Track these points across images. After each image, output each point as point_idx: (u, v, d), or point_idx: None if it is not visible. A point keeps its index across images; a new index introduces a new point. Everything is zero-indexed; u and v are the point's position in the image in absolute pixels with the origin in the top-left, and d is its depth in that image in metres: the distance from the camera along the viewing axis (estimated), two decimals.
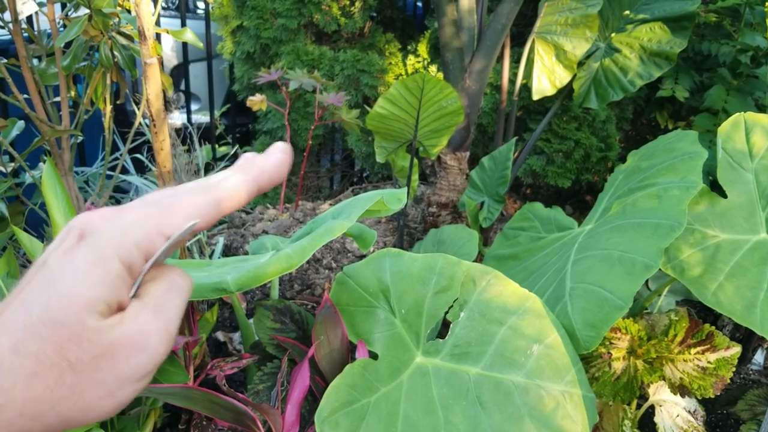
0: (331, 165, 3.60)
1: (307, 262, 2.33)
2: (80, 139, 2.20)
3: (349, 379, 1.18)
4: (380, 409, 1.19)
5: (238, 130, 3.32)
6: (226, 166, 2.99)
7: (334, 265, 2.31)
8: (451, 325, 1.31)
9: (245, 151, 3.33)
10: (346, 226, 1.05)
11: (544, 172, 2.55)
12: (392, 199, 1.20)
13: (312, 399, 1.28)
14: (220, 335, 2.00)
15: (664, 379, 1.67)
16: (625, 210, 1.47)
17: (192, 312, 1.30)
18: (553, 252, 1.63)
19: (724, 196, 1.53)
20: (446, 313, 1.32)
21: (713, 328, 1.63)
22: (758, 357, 2.32)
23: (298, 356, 1.27)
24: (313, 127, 2.31)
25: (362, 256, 2.33)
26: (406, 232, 2.35)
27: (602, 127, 2.55)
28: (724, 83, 2.51)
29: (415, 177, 2.13)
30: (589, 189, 2.88)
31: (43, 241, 1.54)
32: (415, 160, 2.12)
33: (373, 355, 1.26)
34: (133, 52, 1.82)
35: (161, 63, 2.14)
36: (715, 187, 1.58)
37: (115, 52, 1.82)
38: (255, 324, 1.34)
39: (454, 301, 1.31)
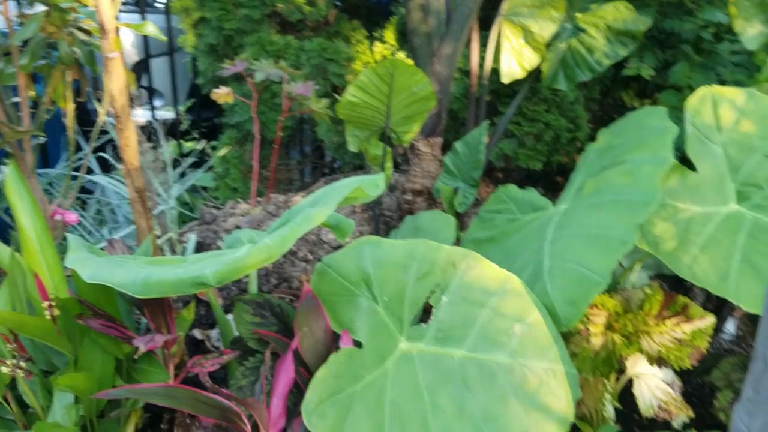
0: (301, 157, 3.57)
1: (283, 255, 2.31)
2: (42, 140, 2.15)
3: (335, 369, 1.17)
4: (367, 397, 1.19)
5: (204, 125, 3.28)
6: (194, 163, 2.95)
7: (310, 257, 2.29)
8: (434, 310, 1.31)
9: (212, 147, 3.29)
10: (325, 213, 1.04)
11: (515, 155, 2.56)
12: (370, 185, 1.19)
13: (297, 391, 1.26)
14: (198, 333, 1.98)
15: (641, 352, 1.70)
16: (598, 188, 1.49)
17: (169, 310, 1.28)
18: (530, 232, 1.64)
19: (694, 169, 1.55)
20: (428, 298, 1.32)
21: (688, 300, 1.66)
22: (729, 327, 2.37)
23: (280, 349, 1.26)
24: (282, 119, 2.28)
25: (338, 247, 2.32)
26: (381, 220, 2.35)
27: (571, 108, 2.57)
28: (687, 60, 2.55)
29: (389, 165, 2.12)
30: (559, 170, 2.90)
31: (9, 245, 1.50)
32: (388, 148, 2.11)
33: (358, 344, 1.25)
34: (94, 48, 1.78)
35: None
36: (684, 161, 1.60)
37: (75, 48, 1.77)
38: (235, 319, 1.32)
39: (435, 286, 1.31)
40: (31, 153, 1.92)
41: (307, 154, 3.64)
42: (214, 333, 2.03)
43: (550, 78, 2.23)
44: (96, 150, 2.62)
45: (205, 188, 3.01)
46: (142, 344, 1.10)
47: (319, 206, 1.10)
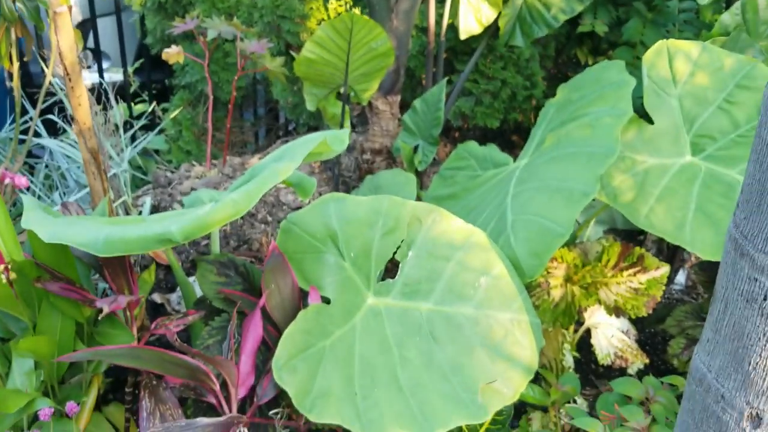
0: (254, 119, 3.51)
1: (242, 217, 2.28)
2: None
3: (303, 325, 1.17)
4: (336, 351, 1.20)
5: (154, 87, 3.18)
6: (145, 125, 2.87)
7: (269, 218, 2.27)
8: (400, 265, 1.32)
9: (163, 109, 3.20)
10: (292, 167, 1.03)
11: (473, 113, 2.57)
12: (335, 139, 1.18)
13: (265, 349, 1.26)
14: (157, 297, 1.95)
15: (599, 303, 1.74)
16: (559, 141, 1.50)
17: (130, 270, 1.25)
18: (491, 188, 1.65)
19: (651, 122, 1.58)
20: (395, 253, 1.32)
21: (643, 250, 1.71)
22: (680, 277, 2.46)
23: (247, 308, 1.25)
24: (236, 78, 2.23)
25: (297, 208, 2.30)
26: (340, 181, 2.33)
27: (527, 65, 2.58)
28: (639, 17, 2.58)
29: (347, 124, 2.10)
30: (515, 129, 2.92)
31: None
32: (347, 107, 2.09)
33: (326, 300, 1.25)
34: (39, 3, 1.69)
35: None
36: (642, 114, 1.63)
37: (19, 4, 1.68)
38: (199, 279, 1.30)
39: (401, 242, 1.32)
40: None
41: (260, 116, 3.57)
42: (174, 297, 2.00)
43: (507, 34, 2.23)
44: (42, 113, 2.51)
45: (157, 151, 2.93)
46: (105, 305, 1.07)
47: (285, 161, 1.08)
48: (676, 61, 1.61)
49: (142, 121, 2.79)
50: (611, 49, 2.80)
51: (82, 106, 1.50)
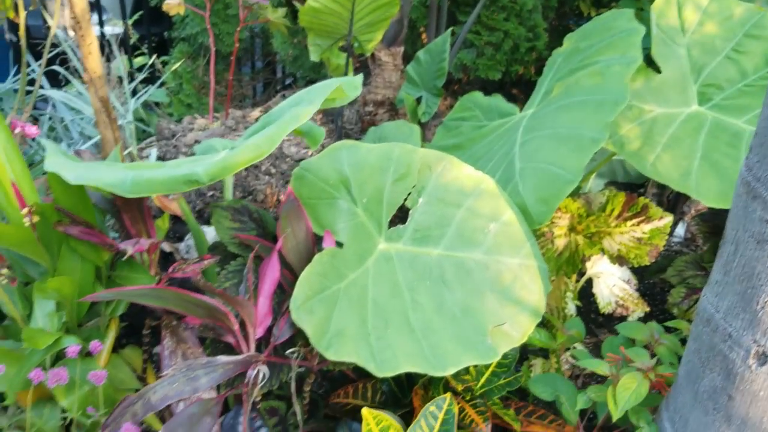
0: (252, 73, 3.49)
1: (246, 169, 2.29)
2: None
3: (319, 268, 1.20)
4: (350, 294, 1.23)
5: (154, 39, 3.14)
6: (144, 79, 2.85)
7: (273, 170, 2.28)
8: (411, 211, 1.34)
9: (163, 62, 3.17)
10: (311, 110, 1.04)
11: (474, 65, 2.56)
12: (349, 86, 1.19)
13: (280, 292, 1.29)
14: (166, 246, 1.96)
15: (603, 252, 1.78)
16: (568, 90, 1.51)
17: (148, 214, 1.27)
18: (498, 138, 1.66)
19: (659, 71, 1.59)
20: (405, 200, 1.34)
21: (647, 200, 1.73)
22: (679, 230, 2.49)
23: (263, 252, 1.27)
24: (239, 29, 2.21)
25: (300, 160, 2.31)
26: (342, 133, 2.34)
27: (529, 16, 2.56)
28: None
29: (351, 74, 2.10)
30: (516, 81, 2.92)
31: None
32: (350, 58, 2.08)
33: (339, 245, 1.27)
34: None
35: None
36: (649, 64, 1.63)
37: None
38: (214, 225, 1.32)
39: (412, 188, 1.34)
40: None
41: (258, 70, 3.55)
42: (182, 246, 2.02)
43: None
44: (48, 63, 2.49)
45: (157, 104, 2.92)
46: (129, 247, 1.09)
47: (304, 105, 1.09)
48: (685, 9, 1.61)
49: (143, 74, 2.77)
50: (613, 2, 2.79)
51: (93, 55, 1.50)
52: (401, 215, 1.38)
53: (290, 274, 1.27)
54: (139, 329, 1.60)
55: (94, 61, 1.49)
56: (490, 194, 1.35)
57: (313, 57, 2.03)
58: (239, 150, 0.99)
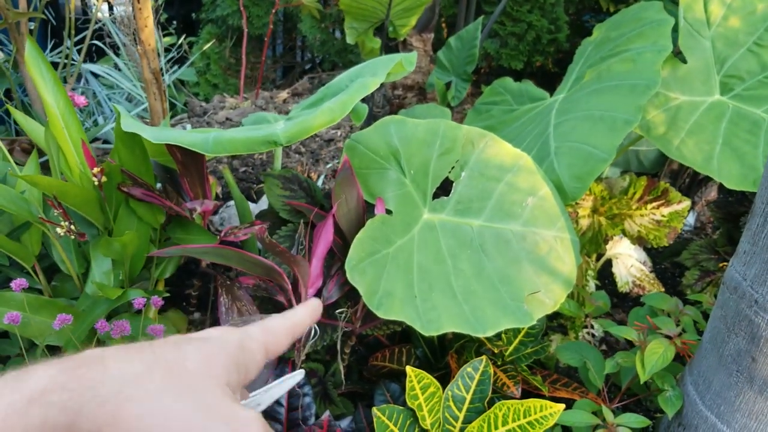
0: (274, 56, 3.56)
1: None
2: (32, 25, 2.10)
3: (371, 233, 1.27)
4: (398, 259, 1.30)
5: (181, 20, 3.21)
6: (172, 59, 2.91)
7: (303, 149, 2.36)
8: (454, 184, 1.42)
9: (189, 43, 3.24)
10: (378, 81, 1.11)
11: (498, 54, 2.64)
12: (407, 61, 1.26)
13: (329, 257, 1.36)
14: None
15: (623, 233, 1.86)
16: (600, 75, 1.59)
17: (206, 179, 1.34)
18: (529, 120, 1.74)
19: (685, 62, 1.67)
20: (449, 173, 1.42)
21: (668, 185, 1.82)
22: (690, 219, 2.58)
23: (314, 218, 1.35)
24: (274, 11, 2.28)
25: (330, 140, 2.38)
26: (371, 115, 2.41)
27: (552, 9, 2.64)
28: None
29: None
30: (535, 73, 3.00)
31: (33, 117, 1.52)
32: (381, 42, 2.15)
33: (388, 212, 1.35)
34: None
35: None
36: (675, 54, 1.71)
37: None
38: (266, 192, 1.40)
39: (455, 162, 1.41)
40: (26, 36, 1.89)
41: (279, 54, 3.62)
42: (216, 218, 2.10)
43: None
44: (79, 42, 2.56)
45: (182, 83, 2.99)
46: (197, 206, 1.17)
47: (368, 76, 1.16)
48: (711, 4, 1.69)
49: (171, 54, 2.84)
50: None
51: (148, 28, 1.57)
52: (443, 188, 1.45)
53: (340, 240, 1.35)
54: (177, 298, 1.68)
55: (149, 33, 1.56)
56: (528, 170, 1.43)
57: (350, 39, 2.10)
58: (316, 114, 1.07)
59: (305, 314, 0.63)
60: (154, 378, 0.43)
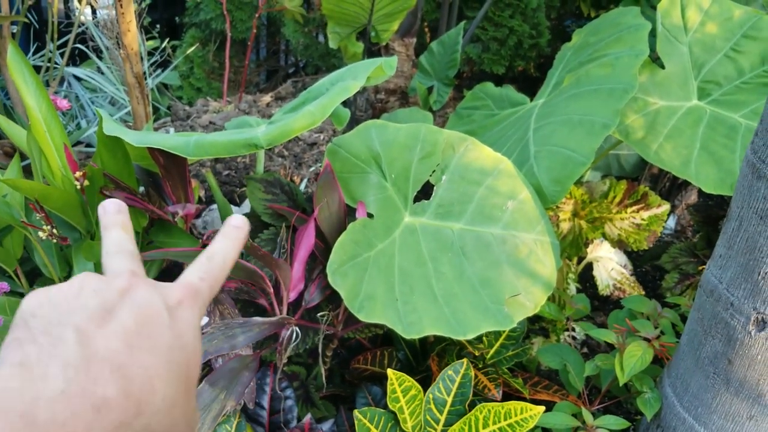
0: (258, 60, 3.56)
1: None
2: (14, 29, 2.09)
3: (353, 236, 1.28)
4: (379, 262, 1.31)
5: (165, 24, 3.20)
6: (155, 62, 2.90)
7: (285, 153, 2.36)
8: (435, 188, 1.43)
9: (173, 47, 3.24)
10: (359, 84, 1.12)
11: (480, 59, 2.66)
12: (387, 65, 1.27)
13: (310, 260, 1.37)
14: None
15: (604, 237, 1.88)
16: (579, 80, 1.61)
17: (189, 183, 1.35)
18: (510, 125, 1.76)
19: (663, 67, 1.69)
20: (430, 176, 1.43)
21: (647, 188, 1.84)
22: (670, 222, 2.61)
23: (296, 222, 1.35)
24: (257, 15, 2.29)
25: (313, 144, 2.39)
26: (353, 119, 2.42)
27: (533, 15, 2.67)
28: None
29: None
30: (516, 78, 3.02)
31: (15, 121, 1.51)
32: (363, 46, 2.17)
33: (369, 216, 1.36)
34: None
35: None
36: (653, 60, 1.74)
37: None
38: (249, 196, 1.40)
39: (436, 166, 1.43)
40: (8, 40, 1.88)
41: (263, 59, 3.62)
42: (199, 222, 2.10)
43: None
44: (61, 46, 2.55)
45: (165, 86, 2.98)
46: (179, 209, 1.17)
47: (349, 79, 1.17)
48: (688, 10, 1.72)
49: (154, 57, 2.83)
50: (613, 3, 2.90)
51: (131, 32, 1.57)
52: (424, 191, 1.46)
53: (321, 243, 1.35)
54: None
55: (132, 37, 1.56)
56: (508, 174, 1.44)
57: (332, 44, 2.11)
58: (297, 117, 1.07)
59: (227, 247, 0.50)
60: None
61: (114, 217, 0.49)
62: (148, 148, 1.26)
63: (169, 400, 0.38)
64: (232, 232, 0.51)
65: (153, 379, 0.37)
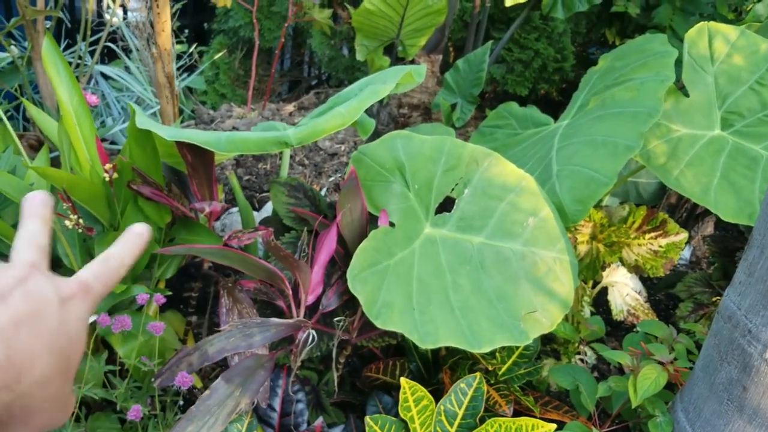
0: (282, 70, 3.60)
1: (280, 158, 2.39)
2: (48, 24, 2.13)
3: (374, 243, 1.29)
4: (398, 271, 1.32)
5: (193, 30, 3.25)
6: (181, 66, 2.94)
7: (306, 162, 2.38)
8: (457, 201, 1.44)
9: (199, 52, 3.28)
10: (388, 89, 1.14)
11: (504, 80, 2.68)
12: (416, 72, 1.29)
13: (330, 265, 1.38)
14: None
15: (621, 261, 1.89)
16: (604, 103, 1.62)
17: (214, 182, 1.36)
18: (532, 145, 1.77)
19: (687, 95, 1.71)
20: (452, 190, 1.44)
21: (666, 216, 1.84)
22: (685, 253, 2.60)
23: (318, 227, 1.37)
24: (286, 24, 2.32)
25: (334, 154, 2.41)
26: (375, 133, 2.44)
27: (559, 39, 2.69)
28: (670, 3, 2.69)
29: None
30: (539, 101, 3.04)
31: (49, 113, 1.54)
32: (390, 60, 2.19)
33: (391, 225, 1.37)
34: None
35: None
36: (679, 89, 1.75)
37: None
38: (272, 199, 1.42)
39: (459, 179, 1.44)
40: (44, 34, 1.92)
41: (286, 69, 3.66)
42: (217, 225, 2.12)
43: (548, 5, 2.34)
44: (92, 44, 2.59)
45: (191, 91, 3.02)
46: (206, 206, 1.19)
47: (379, 84, 1.19)
48: (715, 41, 1.73)
49: (181, 61, 2.87)
50: (638, 32, 2.92)
51: (165, 32, 1.60)
52: (444, 204, 1.48)
53: (342, 249, 1.36)
54: (175, 300, 1.69)
55: (165, 38, 1.59)
56: (530, 191, 1.45)
57: (359, 57, 2.14)
58: (327, 118, 1.09)
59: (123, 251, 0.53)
60: None
61: (38, 208, 0.51)
62: (177, 144, 1.29)
63: (45, 377, 0.43)
64: (132, 239, 0.53)
65: (33, 356, 0.42)
